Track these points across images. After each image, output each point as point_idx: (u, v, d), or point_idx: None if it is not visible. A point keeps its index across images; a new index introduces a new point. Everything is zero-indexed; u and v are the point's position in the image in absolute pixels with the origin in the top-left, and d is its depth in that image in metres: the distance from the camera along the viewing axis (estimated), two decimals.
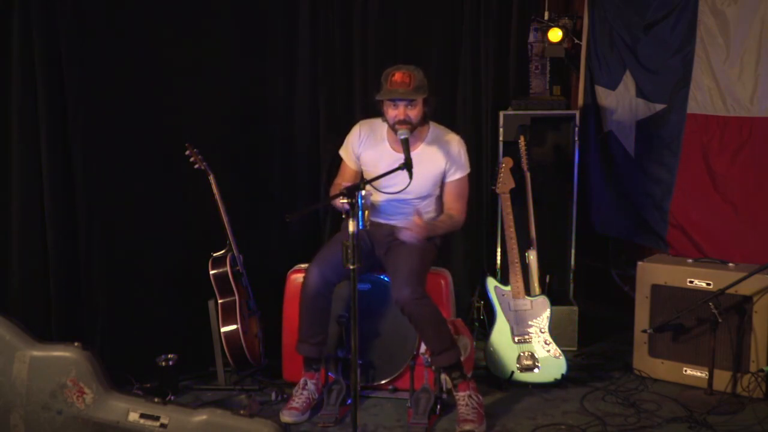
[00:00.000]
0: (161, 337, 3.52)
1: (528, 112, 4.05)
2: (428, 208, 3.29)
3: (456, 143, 3.25)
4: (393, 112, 3.08)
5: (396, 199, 3.17)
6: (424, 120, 3.17)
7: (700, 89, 3.79)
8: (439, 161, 3.20)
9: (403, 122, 3.05)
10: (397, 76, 3.04)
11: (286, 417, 3.08)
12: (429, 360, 3.14)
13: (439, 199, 3.31)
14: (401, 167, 2.88)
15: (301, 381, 3.21)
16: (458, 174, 3.24)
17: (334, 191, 3.28)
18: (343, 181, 3.27)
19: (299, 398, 3.15)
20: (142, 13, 3.52)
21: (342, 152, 3.38)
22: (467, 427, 2.97)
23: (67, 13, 3.23)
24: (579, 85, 4.46)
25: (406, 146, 2.98)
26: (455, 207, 3.27)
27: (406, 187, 2.98)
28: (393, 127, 3.10)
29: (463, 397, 3.07)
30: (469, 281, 4.24)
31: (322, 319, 3.18)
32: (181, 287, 3.68)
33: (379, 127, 3.27)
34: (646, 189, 4.09)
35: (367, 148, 3.28)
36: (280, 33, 4.05)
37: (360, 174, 3.35)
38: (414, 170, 2.94)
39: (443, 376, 3.25)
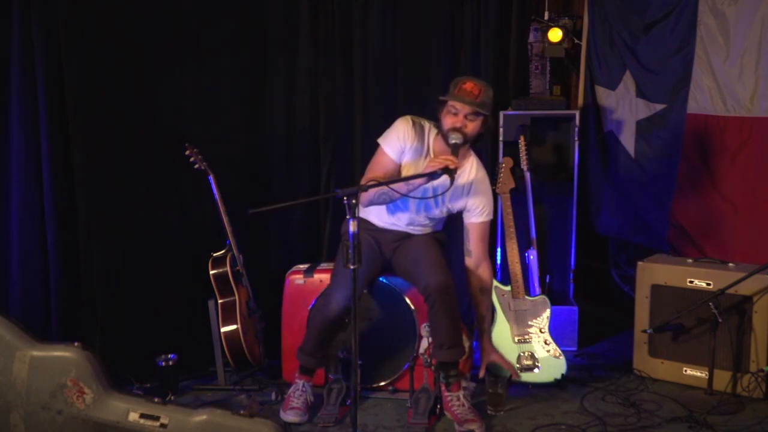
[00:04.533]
0: (161, 337, 3.53)
1: (528, 112, 4.05)
2: (437, 225, 3.29)
3: (487, 185, 3.18)
4: (452, 119, 2.95)
5: (416, 207, 3.14)
6: (474, 143, 3.07)
7: (700, 89, 3.79)
8: (464, 193, 3.12)
9: (458, 131, 2.94)
10: (468, 85, 2.93)
11: (290, 417, 3.06)
12: (428, 359, 3.14)
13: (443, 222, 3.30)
14: (444, 171, 2.76)
15: (298, 383, 3.19)
16: (485, 217, 3.17)
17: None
18: (385, 175, 2.99)
19: (298, 399, 3.14)
20: (142, 12, 3.52)
21: (387, 144, 3.08)
22: (472, 426, 2.97)
23: (67, 13, 3.23)
24: (579, 85, 4.46)
25: (456, 152, 2.89)
26: (481, 251, 3.20)
27: (447, 190, 2.87)
28: (446, 134, 2.98)
29: (457, 396, 3.07)
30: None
31: (331, 339, 3.18)
32: (181, 287, 3.68)
33: (427, 129, 3.12)
34: (646, 189, 4.09)
35: (412, 148, 3.08)
36: (280, 33, 4.05)
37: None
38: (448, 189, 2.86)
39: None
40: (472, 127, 2.97)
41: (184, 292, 3.66)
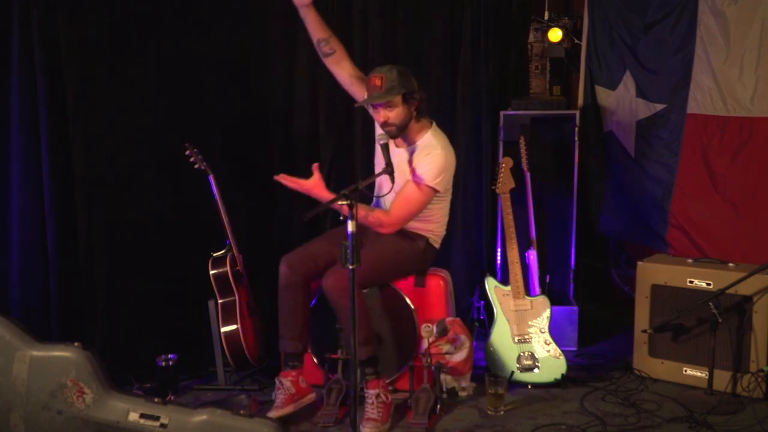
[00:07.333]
0: (161, 337, 3.53)
1: (528, 112, 4.05)
2: None
3: (434, 154, 3.07)
4: (375, 116, 3.11)
5: (383, 199, 3.20)
6: (418, 118, 3.09)
7: (700, 89, 3.79)
8: (412, 164, 3.13)
9: (386, 125, 3.05)
10: (373, 80, 3.01)
11: (271, 414, 3.00)
12: (429, 359, 3.14)
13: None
14: (383, 172, 2.92)
15: (276, 381, 3.15)
16: (413, 176, 3.07)
17: None
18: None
19: (278, 398, 3.10)
20: (141, 11, 3.52)
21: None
22: (368, 425, 2.97)
23: (67, 14, 3.23)
24: (579, 85, 4.46)
25: (386, 152, 2.98)
26: (393, 205, 3.10)
27: (389, 191, 3.00)
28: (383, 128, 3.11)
29: (371, 395, 3.06)
30: (469, 281, 4.23)
31: (296, 312, 3.16)
32: (181, 287, 3.68)
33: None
34: (646, 189, 4.08)
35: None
36: (280, 32, 4.05)
37: None
38: (398, 169, 2.99)
39: (443, 376, 3.25)
40: (394, 114, 3.02)
41: (184, 292, 3.66)
